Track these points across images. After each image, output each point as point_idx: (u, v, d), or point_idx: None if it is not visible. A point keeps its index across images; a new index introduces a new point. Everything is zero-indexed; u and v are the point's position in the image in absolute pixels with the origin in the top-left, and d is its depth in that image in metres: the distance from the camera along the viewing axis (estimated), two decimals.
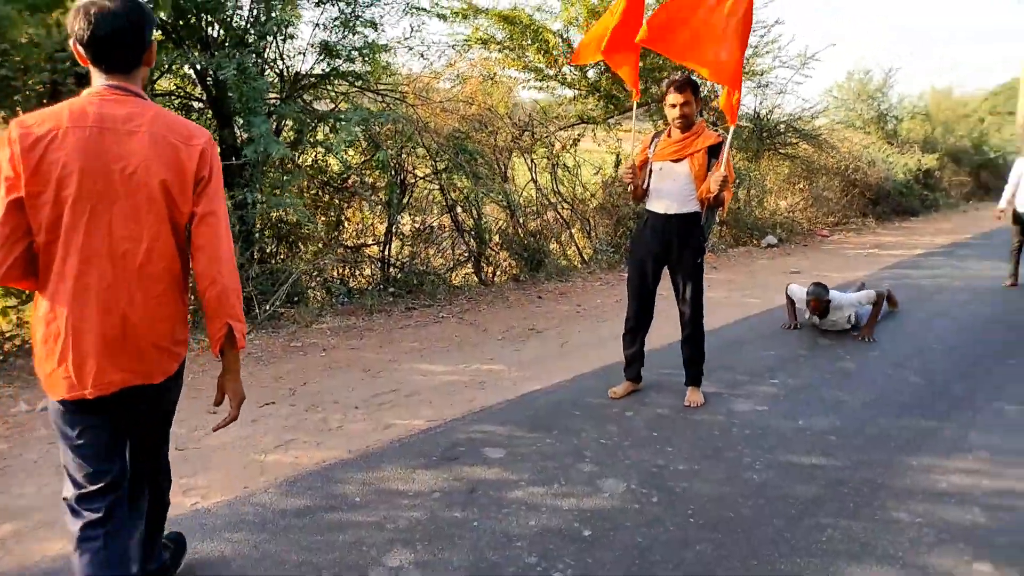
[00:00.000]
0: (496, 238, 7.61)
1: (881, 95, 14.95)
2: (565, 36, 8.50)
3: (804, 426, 3.61)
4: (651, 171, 3.72)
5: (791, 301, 5.49)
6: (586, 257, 8.36)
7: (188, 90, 5.96)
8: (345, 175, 6.66)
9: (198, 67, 5.40)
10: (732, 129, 3.48)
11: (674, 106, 3.57)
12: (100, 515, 1.81)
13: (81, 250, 1.68)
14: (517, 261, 7.65)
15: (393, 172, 6.78)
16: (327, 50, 5.82)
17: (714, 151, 3.56)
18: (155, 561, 2.15)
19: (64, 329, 1.69)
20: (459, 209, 7.39)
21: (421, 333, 5.33)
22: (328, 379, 4.29)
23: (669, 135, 3.70)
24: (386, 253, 7.04)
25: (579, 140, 8.93)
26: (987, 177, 16.60)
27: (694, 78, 3.74)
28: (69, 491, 1.85)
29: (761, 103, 11.12)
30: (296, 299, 5.70)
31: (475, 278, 7.48)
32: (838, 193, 12.33)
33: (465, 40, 8.39)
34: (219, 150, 4.69)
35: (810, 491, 2.91)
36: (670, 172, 3.63)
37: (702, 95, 4.24)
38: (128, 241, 1.72)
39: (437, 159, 7.03)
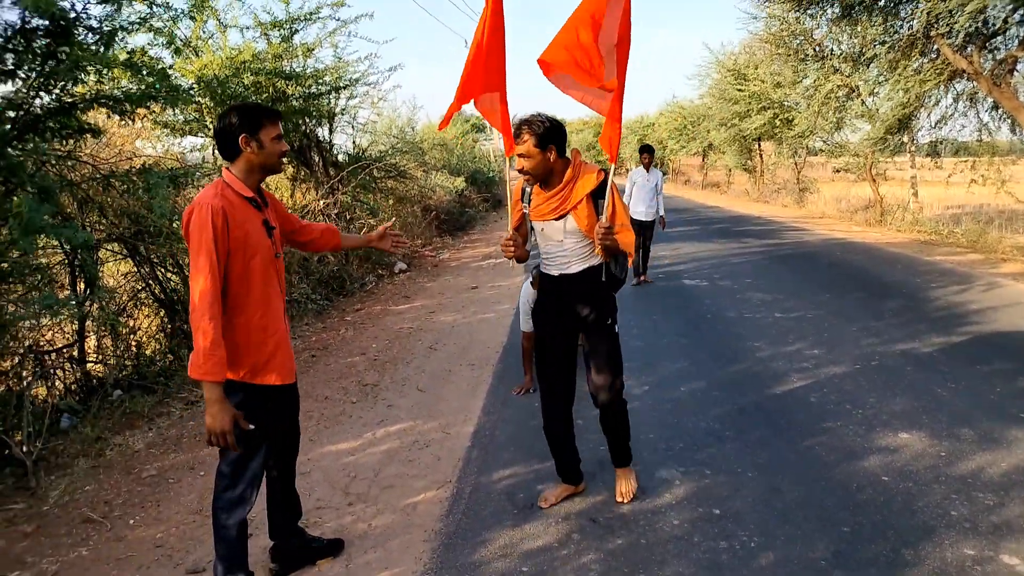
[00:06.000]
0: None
1: (411, 129, 17.50)
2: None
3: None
4: (531, 229, 3.23)
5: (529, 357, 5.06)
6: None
7: None
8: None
9: None
10: (612, 168, 2.91)
11: (517, 156, 2.99)
12: None
13: None
14: None
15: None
16: None
17: (600, 192, 2.97)
18: None
19: None
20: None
21: None
22: None
23: (540, 186, 3.09)
24: (80, 350, 5.71)
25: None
26: (497, 192, 20.95)
27: (540, 117, 2.97)
28: None
29: (355, 142, 12.18)
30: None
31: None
32: (419, 218, 14.19)
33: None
34: None
35: None
36: (555, 233, 3.08)
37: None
38: None
39: (121, 224, 6.02)
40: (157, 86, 4.62)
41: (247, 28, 9.30)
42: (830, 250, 11.30)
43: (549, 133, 2.93)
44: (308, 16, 9.48)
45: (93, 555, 3.15)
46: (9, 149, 3.66)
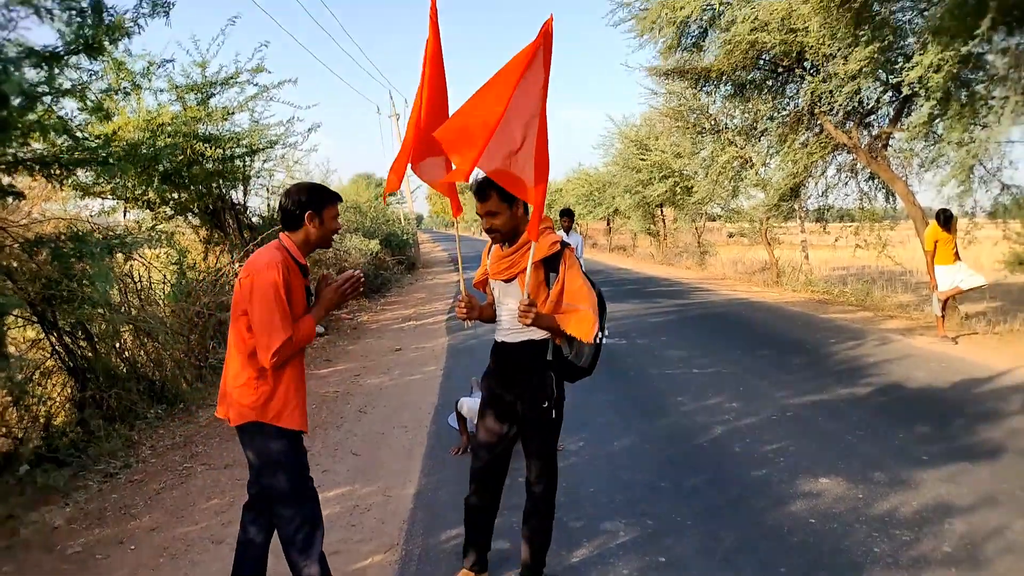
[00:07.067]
0: (121, 371, 6.58)
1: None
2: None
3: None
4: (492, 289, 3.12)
5: (462, 419, 4.96)
6: (190, 378, 7.82)
7: None
8: None
9: None
10: (533, 245, 2.75)
11: (481, 216, 2.93)
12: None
13: None
14: (140, 396, 6.73)
15: None
16: None
17: (553, 263, 2.88)
18: None
19: None
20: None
21: (193, 493, 4.61)
22: None
23: (501, 245, 3.01)
24: None
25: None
26: (411, 254, 21.00)
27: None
28: None
29: (270, 204, 12.09)
30: None
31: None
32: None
33: None
34: None
35: None
36: (503, 295, 3.02)
37: None
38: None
39: (31, 288, 5.74)
40: (102, 152, 4.51)
41: (161, 91, 9.13)
42: (736, 309, 11.96)
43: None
44: (226, 81, 9.48)
45: None
46: None
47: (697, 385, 6.67)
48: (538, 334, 2.95)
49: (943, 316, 8.65)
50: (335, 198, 2.81)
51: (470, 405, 4.76)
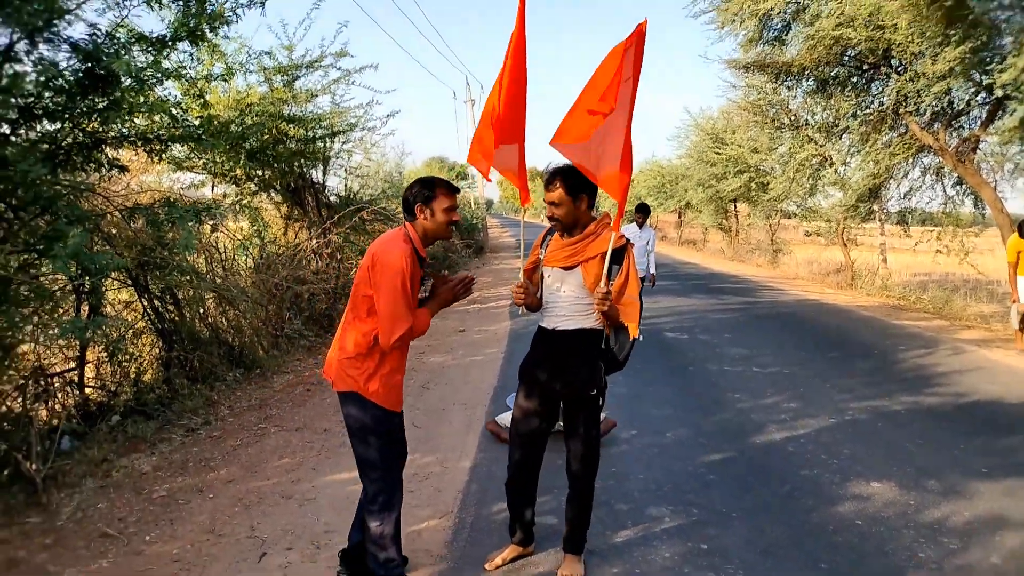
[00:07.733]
0: (204, 335, 7.05)
1: (398, 174, 17.92)
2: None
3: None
4: (543, 277, 3.24)
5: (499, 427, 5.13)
6: (266, 345, 8.28)
7: None
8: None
9: None
10: (613, 235, 2.98)
11: (547, 204, 3.06)
12: None
13: None
14: (220, 360, 7.19)
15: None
16: None
17: (617, 256, 3.02)
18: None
19: None
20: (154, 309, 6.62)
21: (266, 452, 4.96)
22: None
23: (561, 234, 3.18)
24: (80, 375, 5.84)
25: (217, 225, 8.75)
26: (479, 239, 21.37)
27: (570, 166, 3.03)
28: None
29: (347, 185, 12.54)
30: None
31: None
32: None
33: None
34: None
35: None
36: (560, 282, 3.11)
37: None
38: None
39: (128, 254, 6.22)
40: (198, 130, 4.88)
41: (250, 72, 9.62)
42: (804, 310, 11.77)
43: (581, 182, 3.01)
44: (311, 64, 9.89)
45: (113, 567, 3.30)
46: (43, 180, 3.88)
47: (757, 384, 6.68)
48: (593, 323, 3.09)
49: (1022, 329, 8.35)
50: (449, 190, 2.89)
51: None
